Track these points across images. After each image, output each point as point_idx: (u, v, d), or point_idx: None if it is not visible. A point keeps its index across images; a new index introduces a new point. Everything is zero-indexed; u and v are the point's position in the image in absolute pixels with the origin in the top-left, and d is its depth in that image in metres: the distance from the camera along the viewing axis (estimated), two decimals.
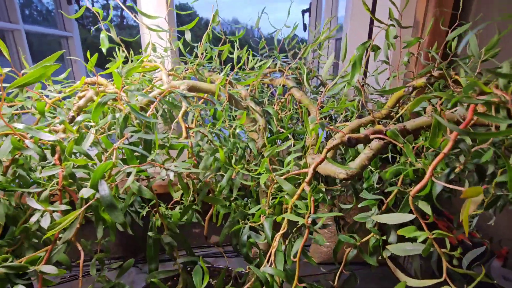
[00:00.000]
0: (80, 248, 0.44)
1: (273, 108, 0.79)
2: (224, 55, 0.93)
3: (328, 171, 0.53)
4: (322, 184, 0.63)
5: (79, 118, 0.44)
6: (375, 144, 0.50)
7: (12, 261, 0.51)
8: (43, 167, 0.41)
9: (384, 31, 0.68)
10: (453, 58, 0.71)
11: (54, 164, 0.41)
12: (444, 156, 0.31)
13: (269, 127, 0.78)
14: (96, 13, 0.68)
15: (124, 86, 0.72)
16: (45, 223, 0.37)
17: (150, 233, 0.52)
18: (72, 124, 0.46)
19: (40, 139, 0.42)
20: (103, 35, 0.74)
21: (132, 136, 0.49)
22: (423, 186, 0.32)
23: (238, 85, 0.81)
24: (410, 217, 0.33)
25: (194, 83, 0.68)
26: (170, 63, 0.91)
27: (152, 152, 0.46)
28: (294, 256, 0.36)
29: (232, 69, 0.91)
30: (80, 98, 0.64)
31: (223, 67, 0.96)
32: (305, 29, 2.48)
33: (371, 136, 0.44)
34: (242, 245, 0.50)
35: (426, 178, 0.32)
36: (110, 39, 0.72)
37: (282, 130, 0.76)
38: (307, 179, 0.40)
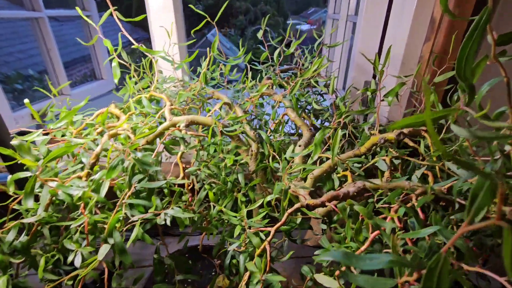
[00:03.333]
0: (104, 266, 0.60)
1: (266, 133, 0.86)
2: (226, 72, 0.99)
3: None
4: (299, 214, 0.74)
5: (96, 176, 0.57)
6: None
7: (58, 258, 0.69)
8: (72, 218, 0.55)
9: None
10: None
11: (81, 214, 0.55)
12: (363, 250, 0.41)
13: (262, 150, 0.87)
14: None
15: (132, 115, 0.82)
16: (78, 261, 0.52)
17: (155, 255, 0.68)
18: (91, 178, 0.59)
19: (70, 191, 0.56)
20: (114, 64, 0.83)
21: (138, 182, 0.61)
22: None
23: (236, 107, 0.89)
24: (335, 284, 0.44)
25: (192, 118, 0.77)
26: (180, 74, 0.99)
27: (153, 198, 0.58)
28: None
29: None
30: (98, 133, 0.76)
31: (225, 83, 1.02)
32: (325, 1, 2.33)
33: (327, 204, 0.53)
34: (225, 267, 0.64)
35: None
36: None
37: (274, 154, 0.85)
38: (268, 238, 0.51)
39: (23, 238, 0.61)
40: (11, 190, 0.63)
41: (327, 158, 0.78)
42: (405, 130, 0.63)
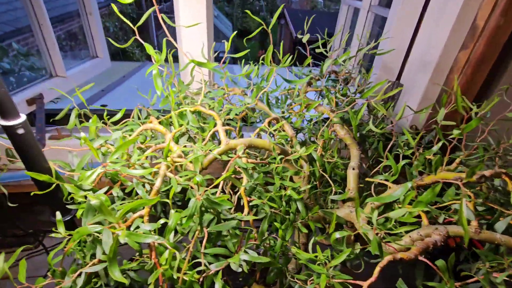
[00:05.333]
0: None
1: (316, 152, 0.82)
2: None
3: None
4: (359, 243, 0.72)
5: (170, 224, 0.51)
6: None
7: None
8: (150, 272, 0.50)
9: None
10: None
11: (154, 264, 0.50)
12: None
13: (311, 168, 0.83)
14: None
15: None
16: None
17: None
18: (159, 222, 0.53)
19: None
20: (155, 72, 0.73)
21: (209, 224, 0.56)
22: None
23: (285, 125, 0.83)
24: None
25: (250, 141, 0.70)
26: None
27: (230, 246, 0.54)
28: None
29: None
30: (142, 147, 0.68)
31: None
32: None
33: (420, 257, 0.51)
34: None
35: None
36: None
37: (324, 174, 0.82)
38: None
39: (80, 281, 0.55)
40: (61, 231, 0.56)
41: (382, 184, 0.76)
42: (487, 173, 0.61)
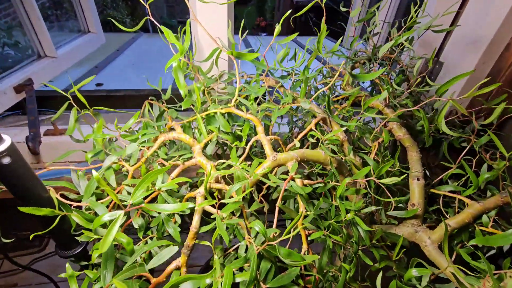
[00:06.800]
0: None
1: (373, 160, 0.68)
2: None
3: None
4: None
5: (223, 281, 0.38)
6: None
7: None
8: None
9: None
10: None
11: None
12: None
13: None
14: None
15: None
16: None
17: None
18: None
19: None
20: (175, 65, 0.56)
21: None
22: None
23: (334, 125, 0.68)
24: None
25: (301, 154, 0.56)
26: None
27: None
28: None
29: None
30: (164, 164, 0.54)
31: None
32: None
33: None
34: None
35: None
36: None
37: (381, 185, 0.68)
38: None
39: None
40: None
41: (464, 203, 0.63)
42: None
